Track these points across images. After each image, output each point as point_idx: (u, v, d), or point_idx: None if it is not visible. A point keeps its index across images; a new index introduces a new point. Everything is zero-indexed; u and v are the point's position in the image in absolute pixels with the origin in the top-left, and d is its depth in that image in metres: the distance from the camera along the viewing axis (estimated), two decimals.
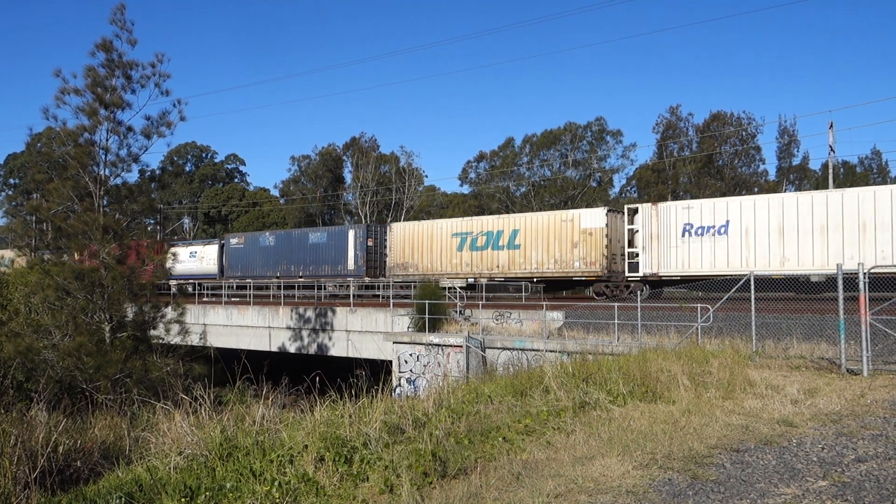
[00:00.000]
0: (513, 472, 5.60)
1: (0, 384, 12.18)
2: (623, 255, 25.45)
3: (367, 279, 32.45)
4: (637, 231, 24.74)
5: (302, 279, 35.15)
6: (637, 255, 24.61)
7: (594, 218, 26.44)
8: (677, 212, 23.97)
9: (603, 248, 25.89)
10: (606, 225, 26.00)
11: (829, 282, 19.47)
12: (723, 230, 23.02)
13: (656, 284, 25.10)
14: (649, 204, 24.91)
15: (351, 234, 33.69)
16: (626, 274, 25.10)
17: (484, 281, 28.46)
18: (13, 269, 22.30)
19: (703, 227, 23.42)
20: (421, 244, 31.30)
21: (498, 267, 28.59)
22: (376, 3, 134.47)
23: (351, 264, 33.19)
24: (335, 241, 34.22)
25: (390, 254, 32.43)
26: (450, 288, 26.10)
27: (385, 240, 32.83)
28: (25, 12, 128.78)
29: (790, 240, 21.87)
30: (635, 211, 25.07)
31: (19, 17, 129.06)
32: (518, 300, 26.45)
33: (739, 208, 22.92)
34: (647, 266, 24.29)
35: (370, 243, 32.82)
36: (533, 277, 27.79)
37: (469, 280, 29.35)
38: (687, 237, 23.63)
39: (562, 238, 26.98)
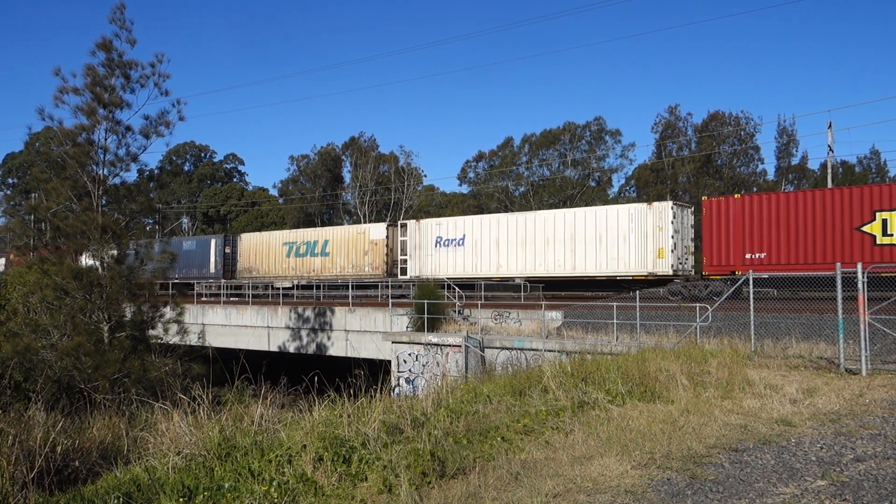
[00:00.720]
0: (511, 472, 5.59)
1: None
2: (399, 261, 30.61)
3: (223, 281, 36.79)
4: (407, 242, 29.96)
5: (177, 280, 38.44)
6: (406, 261, 29.85)
7: (378, 231, 31.99)
8: (432, 227, 29.43)
9: (384, 256, 31.34)
10: (387, 237, 31.42)
11: (531, 284, 26.39)
12: (461, 242, 28.24)
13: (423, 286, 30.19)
14: (414, 221, 30.59)
15: (213, 242, 38.68)
16: (399, 277, 30.06)
17: (304, 282, 33.70)
18: None
19: (448, 240, 28.73)
20: (261, 251, 36.40)
21: (314, 271, 33.80)
22: (376, 3, 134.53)
23: (212, 268, 38.19)
24: (201, 248, 38.84)
25: (240, 259, 37.49)
26: (450, 287, 26.44)
27: (237, 247, 37.59)
28: (25, 12, 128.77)
29: (503, 251, 26.88)
30: (405, 225, 30.42)
31: (19, 17, 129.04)
32: (517, 300, 26.52)
33: (472, 225, 27.98)
34: (413, 270, 29.58)
35: (227, 250, 37.78)
36: (338, 279, 32.60)
37: (294, 281, 34.25)
38: (438, 247, 28.95)
39: (357, 247, 32.39)
